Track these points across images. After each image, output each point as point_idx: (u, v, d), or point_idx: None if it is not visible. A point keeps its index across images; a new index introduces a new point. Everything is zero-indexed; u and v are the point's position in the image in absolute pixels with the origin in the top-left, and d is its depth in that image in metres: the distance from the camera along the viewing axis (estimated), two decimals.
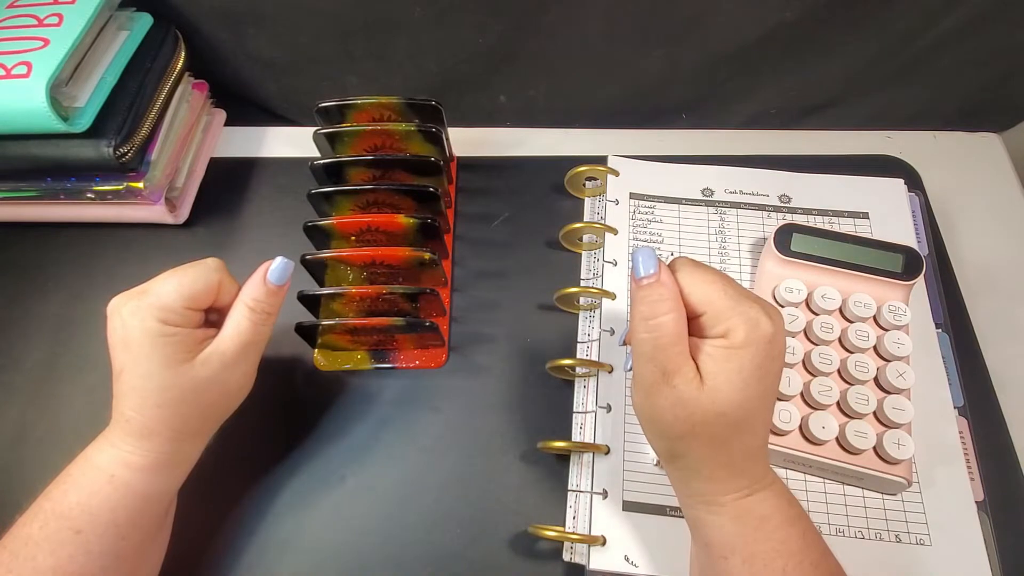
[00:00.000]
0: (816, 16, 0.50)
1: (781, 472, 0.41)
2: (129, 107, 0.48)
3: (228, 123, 0.61)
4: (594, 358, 0.45)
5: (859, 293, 0.44)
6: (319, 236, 0.46)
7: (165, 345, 0.33)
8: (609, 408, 0.43)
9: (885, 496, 0.40)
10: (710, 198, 0.52)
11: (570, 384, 0.46)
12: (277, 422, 0.45)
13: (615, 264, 0.48)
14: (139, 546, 0.35)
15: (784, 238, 0.45)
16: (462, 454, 0.44)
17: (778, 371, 0.30)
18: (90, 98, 0.46)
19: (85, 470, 0.34)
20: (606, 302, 0.47)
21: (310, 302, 0.45)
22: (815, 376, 0.41)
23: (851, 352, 0.43)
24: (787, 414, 0.40)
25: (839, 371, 0.42)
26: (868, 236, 0.46)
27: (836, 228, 0.48)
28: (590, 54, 0.55)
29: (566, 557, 0.40)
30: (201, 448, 0.38)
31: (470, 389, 0.46)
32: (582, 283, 0.50)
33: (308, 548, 0.41)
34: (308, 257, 0.44)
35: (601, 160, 0.53)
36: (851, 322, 0.43)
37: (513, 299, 0.50)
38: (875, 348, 0.43)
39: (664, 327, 0.30)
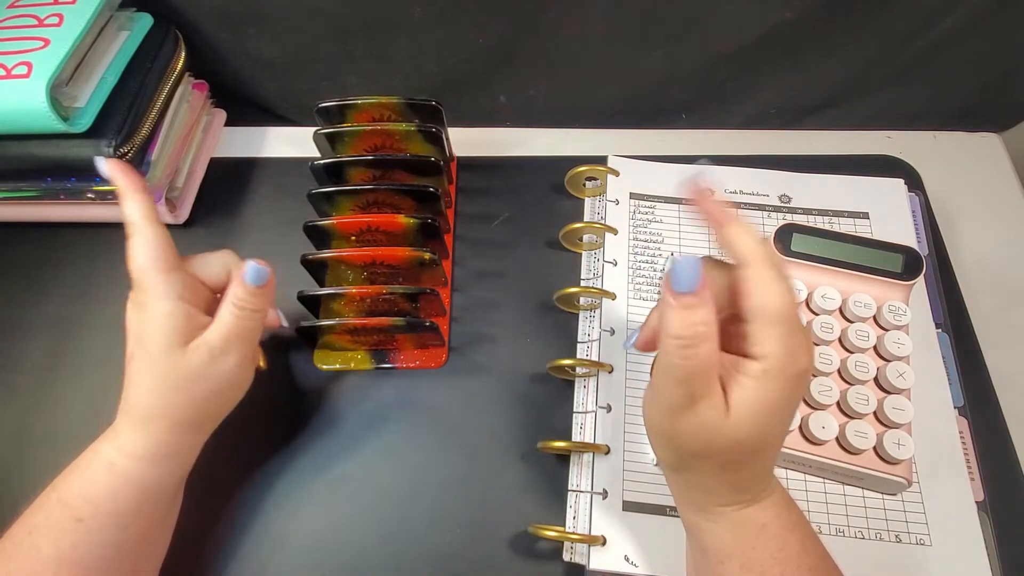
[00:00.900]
0: (816, 16, 0.50)
1: (781, 472, 0.41)
2: (129, 107, 0.48)
3: (228, 123, 0.61)
4: (594, 358, 0.45)
5: (859, 293, 0.44)
6: (319, 236, 0.46)
7: (172, 318, 0.34)
8: (609, 408, 0.43)
9: (885, 496, 0.40)
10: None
11: (570, 384, 0.46)
12: (277, 422, 0.45)
13: (615, 264, 0.48)
14: (141, 537, 0.35)
15: (784, 238, 0.45)
16: (462, 454, 0.44)
17: (799, 400, 0.30)
18: (90, 98, 0.46)
19: (90, 460, 0.35)
20: (606, 302, 0.47)
21: (310, 302, 0.45)
22: (815, 376, 0.41)
23: (851, 352, 0.43)
24: None
25: (839, 371, 0.42)
26: (868, 236, 0.46)
27: (836, 228, 0.48)
28: (590, 54, 0.55)
29: (566, 557, 0.40)
30: (200, 442, 0.38)
31: (470, 389, 0.46)
32: (582, 283, 0.50)
33: (308, 548, 0.41)
34: (308, 257, 0.44)
35: (601, 160, 0.53)
36: (851, 322, 0.43)
37: (513, 299, 0.50)
38: (875, 348, 0.43)
39: (700, 356, 0.27)
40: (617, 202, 0.51)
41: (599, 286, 0.48)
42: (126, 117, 0.47)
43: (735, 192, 0.52)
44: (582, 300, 0.48)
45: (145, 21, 0.51)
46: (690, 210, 0.31)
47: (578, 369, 0.45)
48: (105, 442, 0.35)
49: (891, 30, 0.52)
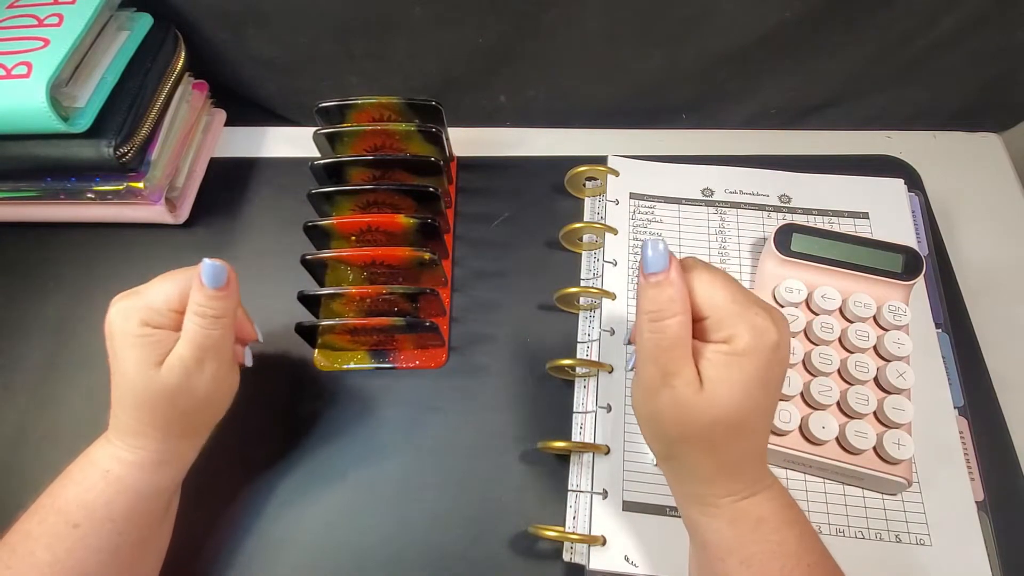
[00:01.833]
0: (816, 16, 0.50)
1: (781, 472, 0.41)
2: (129, 107, 0.48)
3: (228, 123, 0.61)
4: (594, 358, 0.45)
5: (859, 293, 0.44)
6: (319, 236, 0.46)
7: (140, 346, 0.34)
8: (609, 408, 0.43)
9: (885, 496, 0.40)
10: (710, 198, 0.52)
11: (570, 384, 0.46)
12: (277, 422, 0.45)
13: (615, 264, 0.48)
14: (137, 542, 0.35)
15: (784, 238, 0.45)
16: (462, 454, 0.44)
17: (781, 377, 0.30)
18: (90, 98, 0.46)
19: (84, 466, 0.34)
20: (606, 302, 0.47)
21: (310, 302, 0.45)
22: (815, 376, 0.41)
23: (851, 352, 0.43)
24: (787, 414, 0.40)
25: (839, 371, 0.42)
26: (868, 236, 0.46)
27: (836, 228, 0.48)
28: (590, 54, 0.55)
29: (566, 557, 0.40)
30: (196, 447, 0.38)
31: (470, 389, 0.46)
32: (582, 283, 0.50)
33: (308, 548, 0.41)
34: (308, 257, 0.44)
35: (601, 160, 0.53)
36: (851, 322, 0.43)
37: (513, 299, 0.50)
38: (875, 348, 0.43)
39: (669, 329, 0.29)
40: (617, 202, 0.51)
41: (599, 286, 0.48)
42: (126, 117, 0.47)
43: (735, 192, 0.52)
44: (582, 300, 0.48)
45: (145, 21, 0.51)
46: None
47: (578, 369, 0.45)
48: (99, 449, 0.35)
49: (891, 30, 0.52)
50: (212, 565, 0.40)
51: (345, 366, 0.47)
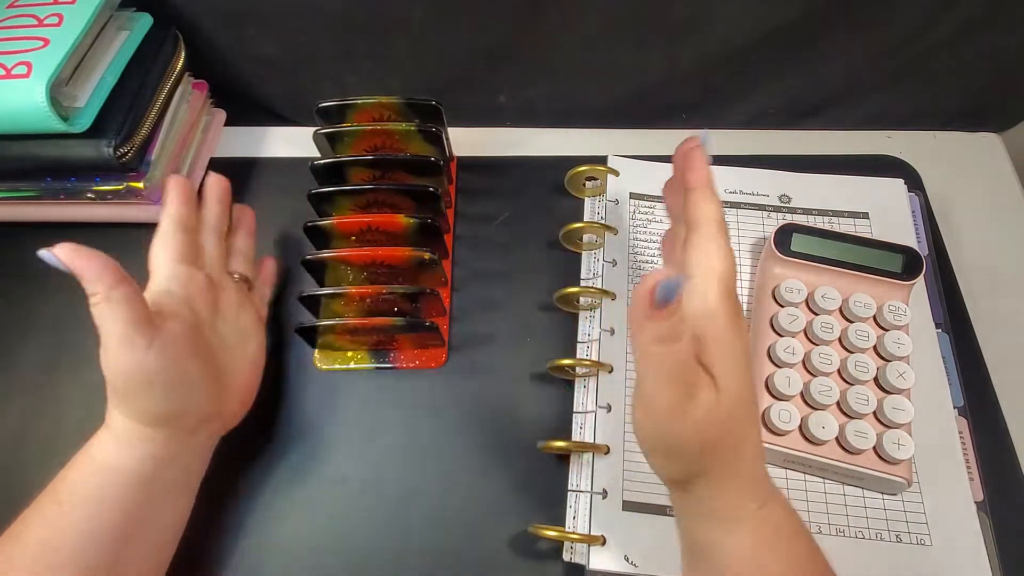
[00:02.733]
0: (816, 16, 0.50)
1: (781, 472, 0.41)
2: (129, 107, 0.48)
3: (228, 123, 0.60)
4: (594, 358, 0.45)
5: (859, 293, 0.44)
6: (319, 236, 0.46)
7: (119, 318, 0.34)
8: (609, 408, 0.43)
9: (885, 496, 0.40)
10: None
11: (570, 384, 0.46)
12: (277, 422, 0.45)
13: (615, 264, 0.48)
14: (118, 529, 0.33)
15: (784, 238, 0.45)
16: (462, 454, 0.44)
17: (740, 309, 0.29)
18: (90, 98, 0.46)
19: (80, 451, 0.35)
20: (606, 302, 0.47)
21: (310, 302, 0.45)
22: (815, 376, 0.42)
23: (851, 352, 0.43)
24: (787, 414, 0.40)
25: (839, 371, 0.42)
26: (868, 236, 0.47)
27: (836, 228, 0.48)
28: (590, 54, 0.55)
29: (566, 557, 0.40)
30: (183, 440, 0.36)
31: (470, 389, 0.46)
32: (582, 283, 0.50)
33: (308, 548, 0.41)
34: (308, 258, 0.44)
35: (601, 160, 0.53)
36: (851, 322, 0.43)
37: (513, 299, 0.50)
38: (875, 348, 0.43)
39: (684, 347, 0.28)
40: (617, 202, 0.51)
41: (599, 286, 0.48)
42: (126, 117, 0.47)
43: (735, 192, 0.52)
44: (582, 300, 0.48)
45: (145, 21, 0.51)
46: (675, 163, 0.33)
47: (578, 369, 0.45)
48: (95, 435, 0.36)
49: (891, 30, 0.52)
50: (210, 565, 0.40)
51: (345, 366, 0.47)
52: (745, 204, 0.51)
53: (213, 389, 0.38)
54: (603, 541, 0.39)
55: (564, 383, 0.46)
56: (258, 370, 0.43)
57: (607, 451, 0.42)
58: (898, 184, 0.52)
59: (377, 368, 0.47)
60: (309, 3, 0.51)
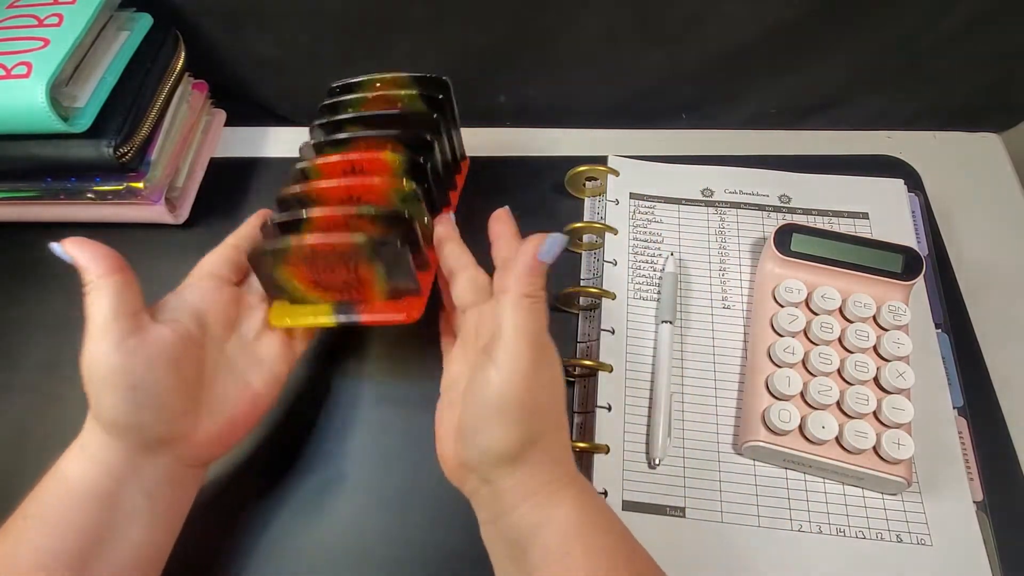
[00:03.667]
0: (816, 16, 0.50)
1: (781, 472, 0.41)
2: (129, 107, 0.48)
3: (228, 123, 0.61)
4: (594, 358, 0.45)
5: (859, 293, 0.44)
6: (303, 181, 0.42)
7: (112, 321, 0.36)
8: (609, 408, 0.43)
9: (885, 496, 0.40)
10: (710, 198, 0.52)
11: (570, 384, 0.46)
12: (276, 422, 0.45)
13: (615, 264, 0.48)
14: (77, 549, 0.31)
15: (784, 238, 0.45)
16: None
17: None
18: (90, 98, 0.46)
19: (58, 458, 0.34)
20: (606, 302, 0.47)
21: (275, 232, 0.40)
22: (815, 376, 0.41)
23: (851, 352, 0.43)
24: (787, 414, 0.40)
25: (839, 371, 0.42)
26: (868, 236, 0.47)
27: (836, 228, 0.48)
28: (590, 54, 0.55)
29: None
30: (130, 449, 0.34)
31: None
32: (582, 283, 0.50)
33: (307, 548, 0.41)
34: (283, 193, 0.40)
35: (601, 160, 0.53)
36: (851, 322, 0.43)
37: None
38: (875, 348, 0.43)
39: (545, 308, 0.33)
40: (617, 202, 0.51)
41: (599, 286, 0.48)
42: (126, 117, 0.47)
43: (735, 192, 0.52)
44: (582, 300, 0.48)
45: (145, 21, 0.51)
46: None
47: (578, 369, 0.45)
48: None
49: (891, 30, 0.52)
50: (208, 566, 0.40)
51: (302, 322, 0.39)
52: (745, 204, 0.51)
53: (185, 407, 0.35)
54: None
55: (564, 383, 0.46)
56: (257, 407, 0.38)
57: (607, 451, 0.42)
58: (898, 184, 0.52)
59: (340, 323, 0.40)
60: (309, 3, 0.51)
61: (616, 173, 0.52)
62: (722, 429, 0.43)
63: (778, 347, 0.42)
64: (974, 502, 0.40)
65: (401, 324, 0.39)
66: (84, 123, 0.46)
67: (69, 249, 0.34)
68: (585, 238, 0.51)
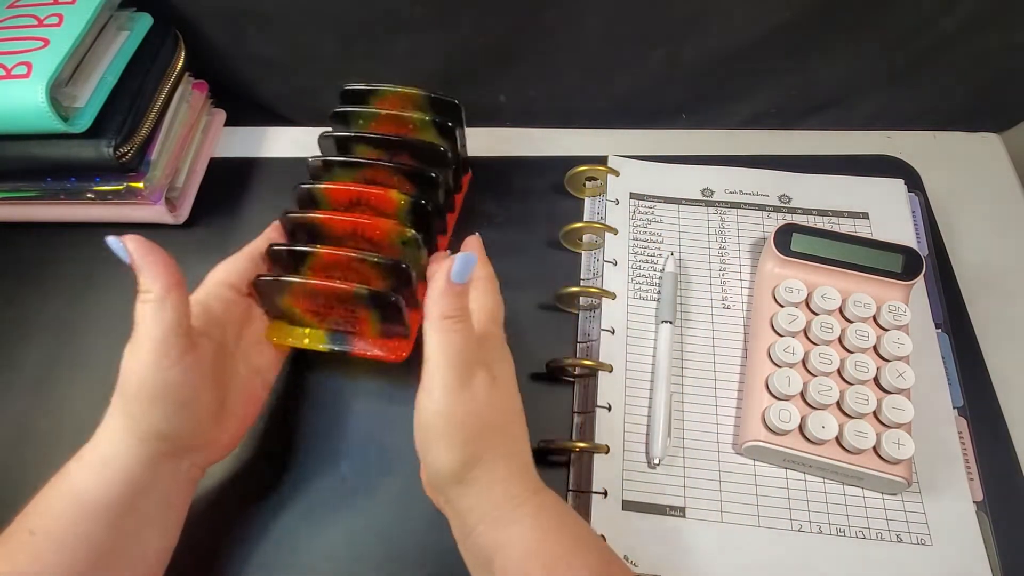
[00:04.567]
0: (816, 16, 0.50)
1: (781, 472, 0.41)
2: (129, 107, 0.48)
3: (228, 123, 0.60)
4: (594, 358, 0.45)
5: (859, 293, 0.44)
6: (310, 203, 0.44)
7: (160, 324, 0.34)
8: (609, 408, 0.43)
9: (885, 496, 0.40)
10: (710, 198, 0.52)
11: (570, 384, 0.46)
12: (276, 422, 0.45)
13: (615, 264, 0.48)
14: (88, 563, 0.31)
15: (784, 238, 0.45)
16: None
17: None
18: (90, 98, 0.46)
19: (62, 469, 0.33)
20: (606, 302, 0.47)
21: (279, 257, 0.41)
22: (815, 376, 0.41)
23: (851, 352, 0.43)
24: (787, 414, 0.40)
25: (839, 371, 0.42)
26: (868, 236, 0.47)
27: (836, 228, 0.48)
28: (590, 54, 0.55)
29: None
30: (157, 458, 0.34)
31: None
32: (582, 283, 0.50)
33: (306, 548, 0.41)
34: (290, 215, 0.42)
35: (601, 160, 0.53)
36: (851, 322, 0.43)
37: (512, 298, 0.49)
38: (875, 348, 0.43)
39: (468, 329, 0.32)
40: (617, 202, 0.51)
41: (599, 286, 0.48)
42: (126, 117, 0.47)
43: (735, 192, 0.52)
44: (582, 300, 0.48)
45: (145, 21, 0.51)
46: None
47: (578, 369, 0.45)
48: (84, 446, 0.34)
49: (891, 30, 0.52)
50: (207, 566, 0.40)
51: (298, 343, 0.42)
52: (745, 204, 0.51)
53: (215, 418, 0.36)
54: (602, 540, 0.39)
55: (564, 383, 0.46)
56: (257, 410, 0.40)
57: (607, 451, 0.42)
58: (898, 184, 0.52)
59: (331, 351, 0.42)
60: (309, 3, 0.51)
61: (616, 173, 0.52)
62: (722, 429, 0.43)
63: (778, 347, 0.42)
64: (974, 502, 0.40)
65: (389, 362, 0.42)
66: (84, 123, 0.46)
67: (132, 251, 0.32)
68: (585, 238, 0.51)
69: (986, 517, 0.40)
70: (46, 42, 0.45)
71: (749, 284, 0.48)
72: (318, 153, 0.50)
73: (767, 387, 0.42)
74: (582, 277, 0.50)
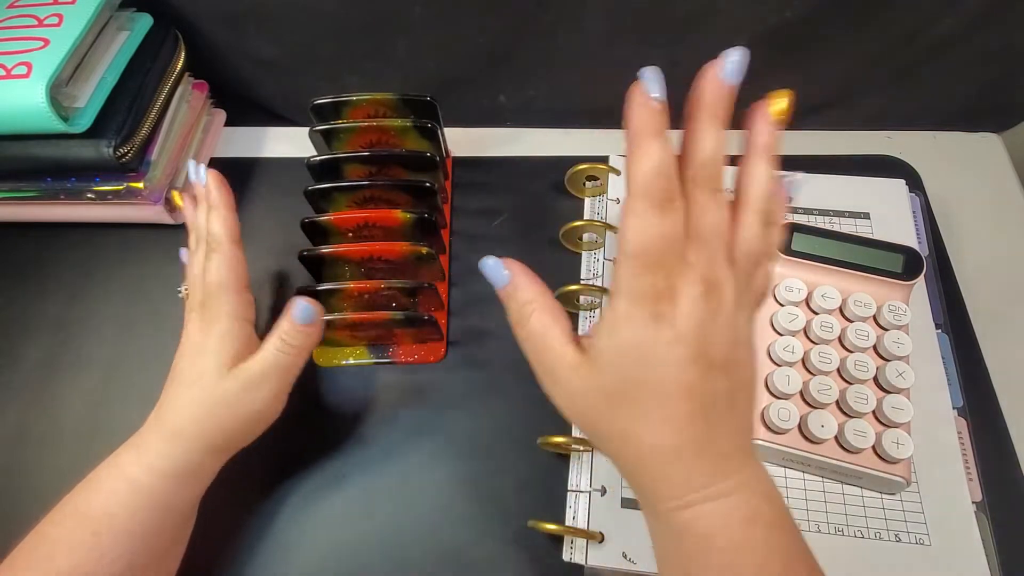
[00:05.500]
0: (816, 16, 0.50)
1: (780, 471, 0.41)
2: (129, 107, 0.48)
3: (228, 123, 0.61)
4: None
5: (859, 293, 0.44)
6: (317, 233, 0.46)
7: (231, 335, 0.37)
8: None
9: (884, 496, 0.40)
10: None
11: None
12: (276, 422, 0.45)
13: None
14: (154, 556, 0.34)
15: (784, 237, 0.45)
16: (462, 453, 0.44)
17: (663, 343, 0.26)
18: (90, 98, 0.46)
19: (111, 473, 0.35)
20: (606, 301, 0.47)
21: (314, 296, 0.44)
22: (814, 375, 0.41)
23: (851, 351, 0.42)
24: (786, 412, 0.40)
25: (838, 370, 0.42)
26: (868, 236, 0.46)
27: (837, 228, 0.48)
28: (590, 54, 0.55)
29: (566, 557, 0.40)
30: (220, 464, 0.38)
31: (470, 388, 0.46)
32: (582, 282, 0.50)
33: (307, 548, 0.41)
34: (306, 253, 0.44)
35: (602, 160, 0.53)
36: (851, 321, 0.43)
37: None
38: (875, 347, 0.43)
39: (534, 322, 0.30)
40: (618, 201, 0.51)
41: (600, 285, 0.48)
42: (126, 117, 0.48)
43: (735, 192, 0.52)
44: (582, 299, 0.48)
45: (145, 21, 0.51)
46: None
47: None
48: (128, 455, 0.35)
49: (891, 30, 0.52)
50: (208, 565, 0.40)
51: (344, 362, 0.47)
52: None
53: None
54: (601, 538, 0.39)
55: None
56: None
57: None
58: (899, 184, 0.52)
59: (376, 363, 0.47)
60: (309, 3, 0.51)
61: (618, 172, 0.52)
62: None
63: (778, 346, 0.42)
64: (973, 502, 0.40)
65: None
66: (84, 123, 0.46)
67: (308, 316, 0.38)
68: (585, 237, 0.51)
69: (985, 517, 0.40)
70: (46, 42, 0.45)
71: None
72: (315, 152, 0.50)
73: (767, 385, 0.42)
74: (582, 277, 0.50)
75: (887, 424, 0.40)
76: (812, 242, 0.45)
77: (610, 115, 0.59)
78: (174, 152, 0.53)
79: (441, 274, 0.48)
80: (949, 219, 0.53)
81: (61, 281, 0.52)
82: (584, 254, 0.51)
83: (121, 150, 0.47)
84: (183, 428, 0.35)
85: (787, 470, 0.41)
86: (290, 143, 0.59)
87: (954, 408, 0.43)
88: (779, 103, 0.27)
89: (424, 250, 0.44)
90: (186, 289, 0.42)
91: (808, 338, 0.43)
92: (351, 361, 0.47)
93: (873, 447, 0.39)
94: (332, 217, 0.45)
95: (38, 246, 0.53)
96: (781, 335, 0.43)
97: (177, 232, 0.53)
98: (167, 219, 0.52)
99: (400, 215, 0.45)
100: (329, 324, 0.44)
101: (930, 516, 0.39)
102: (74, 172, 0.49)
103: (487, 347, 0.47)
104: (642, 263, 0.26)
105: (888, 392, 0.41)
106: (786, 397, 0.41)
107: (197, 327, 0.38)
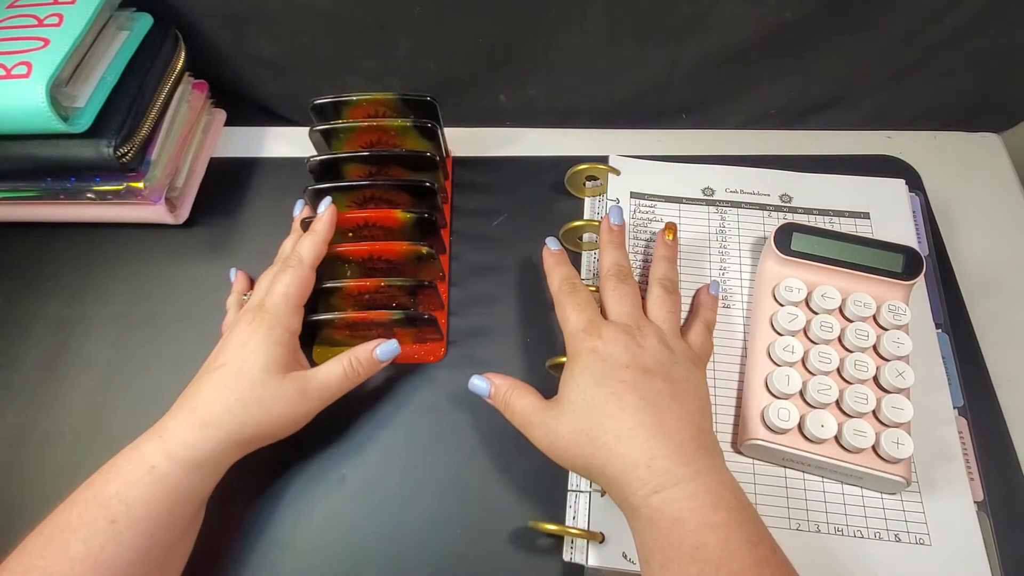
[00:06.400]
0: (816, 16, 0.50)
1: (780, 471, 0.41)
2: (129, 107, 0.48)
3: (228, 123, 0.61)
4: None
5: (859, 292, 0.44)
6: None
7: (281, 346, 0.39)
8: None
9: (884, 495, 0.40)
10: (711, 197, 0.52)
11: None
12: None
13: None
14: (167, 545, 0.35)
15: (784, 237, 0.45)
16: (462, 453, 0.44)
17: (607, 369, 0.36)
18: (90, 98, 0.46)
19: (130, 459, 0.35)
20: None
21: (309, 298, 0.44)
22: (814, 375, 0.41)
23: (850, 351, 0.42)
24: (786, 412, 0.40)
25: (838, 370, 0.42)
26: (868, 236, 0.46)
27: (837, 228, 0.48)
28: (590, 54, 0.55)
29: (566, 557, 0.40)
30: (232, 463, 0.38)
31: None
32: (583, 282, 0.50)
33: (307, 548, 0.41)
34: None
35: (602, 160, 0.53)
36: (851, 321, 0.43)
37: (512, 297, 0.50)
38: (874, 347, 0.43)
39: (512, 403, 0.39)
40: (618, 201, 0.51)
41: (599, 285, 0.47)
42: (126, 117, 0.48)
43: (736, 191, 0.52)
44: (584, 237, 0.48)
45: (145, 21, 0.51)
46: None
47: None
48: (149, 442, 0.35)
49: (891, 30, 0.52)
50: (208, 565, 0.40)
51: None
52: (746, 203, 0.51)
53: None
54: (602, 538, 0.39)
55: None
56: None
57: None
58: (899, 184, 0.52)
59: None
60: (309, 3, 0.51)
61: (617, 172, 0.52)
62: (721, 427, 0.43)
63: (778, 346, 0.42)
64: (974, 502, 0.40)
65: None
66: (84, 123, 0.46)
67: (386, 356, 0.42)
68: (585, 237, 0.51)
69: (986, 517, 0.40)
70: (46, 42, 0.45)
71: (749, 283, 0.48)
72: (315, 152, 0.50)
73: (767, 386, 0.42)
74: (582, 277, 0.50)
75: (887, 424, 0.40)
76: (812, 242, 0.45)
77: (610, 115, 0.60)
78: (174, 152, 0.53)
79: (441, 274, 0.48)
80: (949, 219, 0.53)
81: (61, 281, 0.52)
82: (584, 254, 0.51)
83: (121, 150, 0.47)
84: (216, 416, 0.36)
85: (787, 470, 0.41)
86: (290, 143, 0.59)
87: (954, 408, 0.43)
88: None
89: (424, 250, 0.44)
90: (246, 296, 0.45)
91: (808, 338, 0.43)
92: None
93: (873, 447, 0.39)
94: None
95: (38, 246, 0.53)
96: (781, 335, 0.43)
97: (177, 232, 0.53)
98: (167, 219, 0.52)
99: (400, 215, 0.45)
100: (329, 323, 0.45)
101: (930, 516, 0.39)
102: (74, 172, 0.49)
103: (487, 347, 0.47)
104: (576, 308, 0.40)
105: (888, 392, 0.41)
106: (786, 397, 0.41)
107: (250, 327, 0.39)
